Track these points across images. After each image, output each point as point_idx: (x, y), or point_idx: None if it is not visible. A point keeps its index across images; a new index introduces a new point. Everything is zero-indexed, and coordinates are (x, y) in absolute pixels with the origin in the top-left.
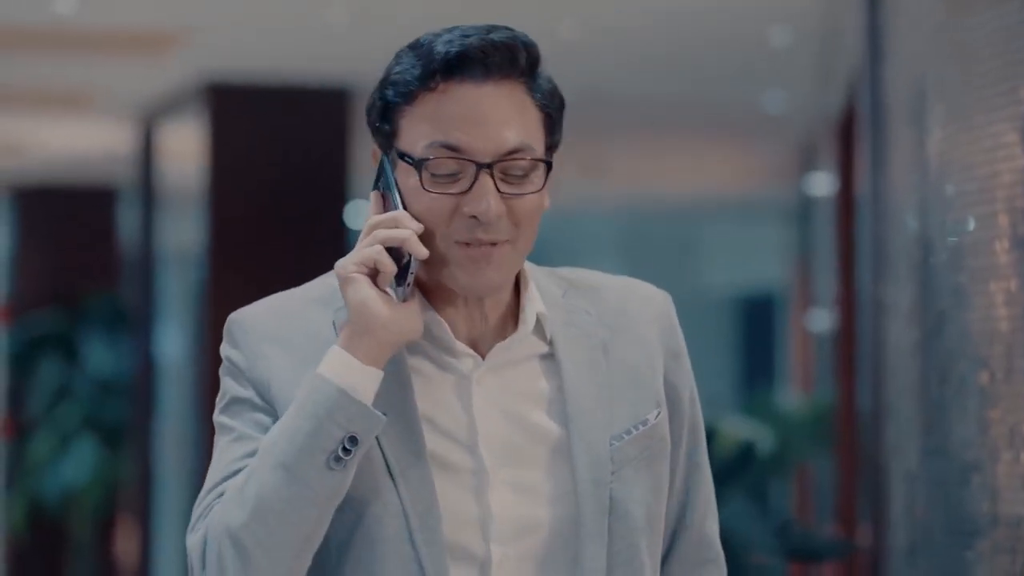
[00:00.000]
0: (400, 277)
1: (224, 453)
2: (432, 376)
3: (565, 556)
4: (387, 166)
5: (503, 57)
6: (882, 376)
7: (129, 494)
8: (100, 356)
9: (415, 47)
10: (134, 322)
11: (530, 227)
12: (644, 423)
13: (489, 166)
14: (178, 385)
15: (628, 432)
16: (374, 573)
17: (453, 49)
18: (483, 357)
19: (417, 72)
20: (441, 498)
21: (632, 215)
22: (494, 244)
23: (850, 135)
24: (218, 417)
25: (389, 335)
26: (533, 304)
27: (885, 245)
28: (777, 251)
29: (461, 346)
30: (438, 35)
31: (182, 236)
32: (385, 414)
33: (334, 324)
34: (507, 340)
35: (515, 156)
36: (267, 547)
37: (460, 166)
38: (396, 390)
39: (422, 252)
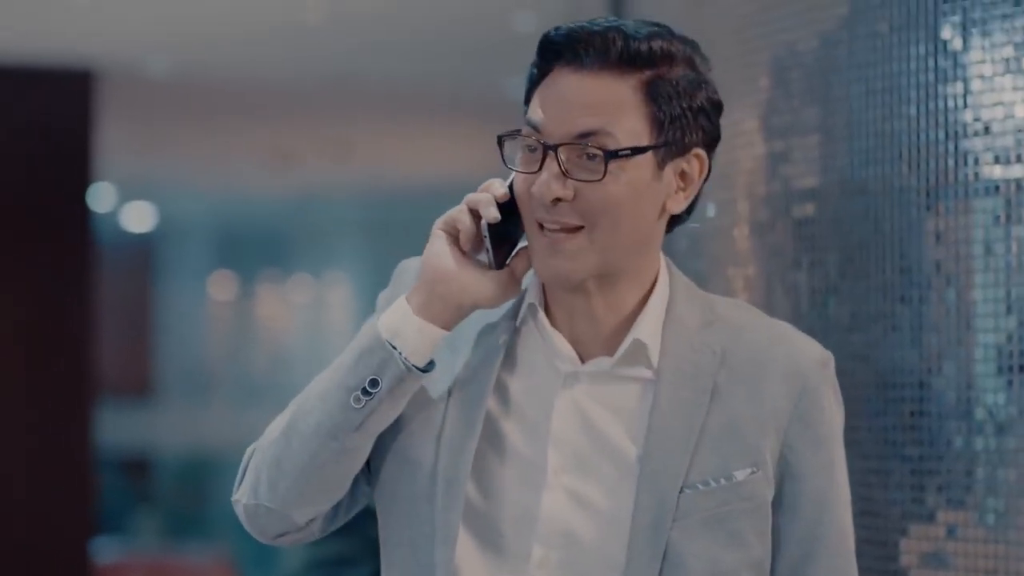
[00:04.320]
0: (486, 239)
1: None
2: (532, 360)
3: (605, 574)
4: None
5: (596, 50)
6: None
7: None
8: None
9: None
10: None
11: (606, 218)
12: (728, 478)
13: (555, 147)
14: None
15: (705, 483)
16: (399, 520)
17: (553, 36)
18: (583, 360)
19: (536, 56)
20: (494, 482)
21: (377, 198)
22: (566, 231)
23: None
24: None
25: (448, 292)
26: (638, 330)
27: None
28: None
29: (560, 342)
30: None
31: None
32: (426, 371)
33: None
34: (608, 358)
35: (587, 141)
36: (283, 467)
37: (536, 145)
38: (480, 359)
39: (491, 214)
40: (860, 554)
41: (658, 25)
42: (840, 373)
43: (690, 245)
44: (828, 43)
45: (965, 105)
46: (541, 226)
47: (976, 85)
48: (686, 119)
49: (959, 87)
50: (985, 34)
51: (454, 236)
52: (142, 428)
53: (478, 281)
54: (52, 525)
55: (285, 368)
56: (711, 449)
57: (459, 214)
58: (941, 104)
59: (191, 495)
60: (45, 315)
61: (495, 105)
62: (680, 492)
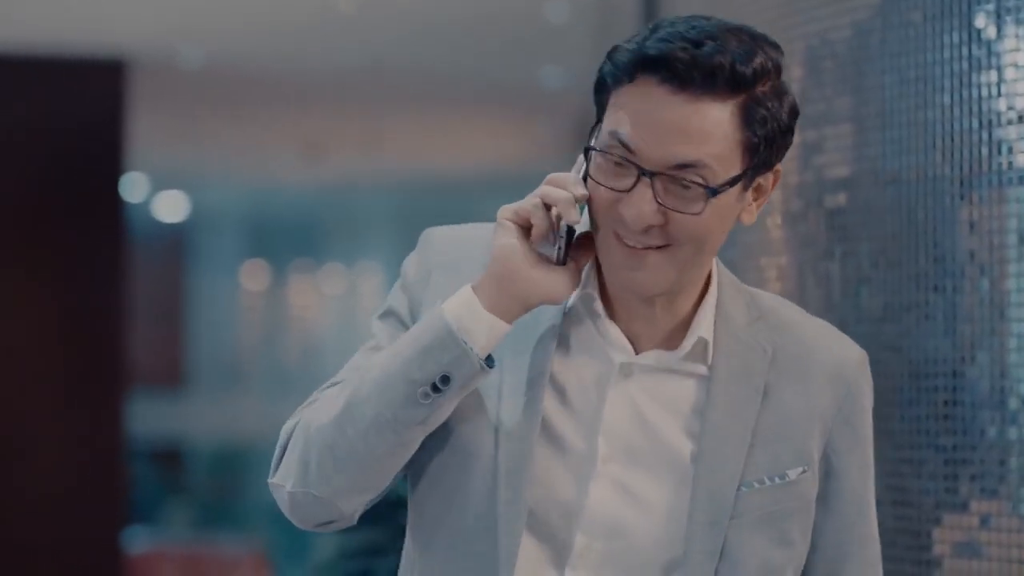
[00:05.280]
0: (561, 239)
1: (356, 357)
2: (585, 350)
3: (652, 572)
4: (593, 136)
5: (702, 75)
6: None
7: None
8: None
9: (647, 29)
10: None
11: (691, 243)
12: (782, 477)
13: (651, 175)
14: None
15: (761, 481)
16: (453, 518)
17: (652, 52)
18: (637, 351)
19: (625, 59)
20: (542, 471)
21: (410, 189)
22: (651, 248)
23: None
24: (373, 320)
25: (519, 289)
26: (699, 329)
27: None
28: None
29: (616, 333)
30: (665, 25)
31: None
32: (491, 366)
33: None
34: (665, 353)
35: (684, 172)
36: (338, 456)
37: (628, 163)
38: (536, 349)
39: (572, 217)
40: (893, 543)
41: (752, 36)
42: (873, 363)
43: None
44: (861, 32)
45: (999, 94)
46: (617, 235)
47: (1010, 74)
48: (777, 141)
49: (993, 76)
50: (1019, 22)
51: (524, 229)
52: (174, 418)
53: (548, 278)
54: (84, 515)
55: (317, 358)
56: (764, 448)
57: (534, 208)
58: (975, 93)
59: (223, 486)
60: (77, 305)
61: (527, 95)
62: (737, 490)
